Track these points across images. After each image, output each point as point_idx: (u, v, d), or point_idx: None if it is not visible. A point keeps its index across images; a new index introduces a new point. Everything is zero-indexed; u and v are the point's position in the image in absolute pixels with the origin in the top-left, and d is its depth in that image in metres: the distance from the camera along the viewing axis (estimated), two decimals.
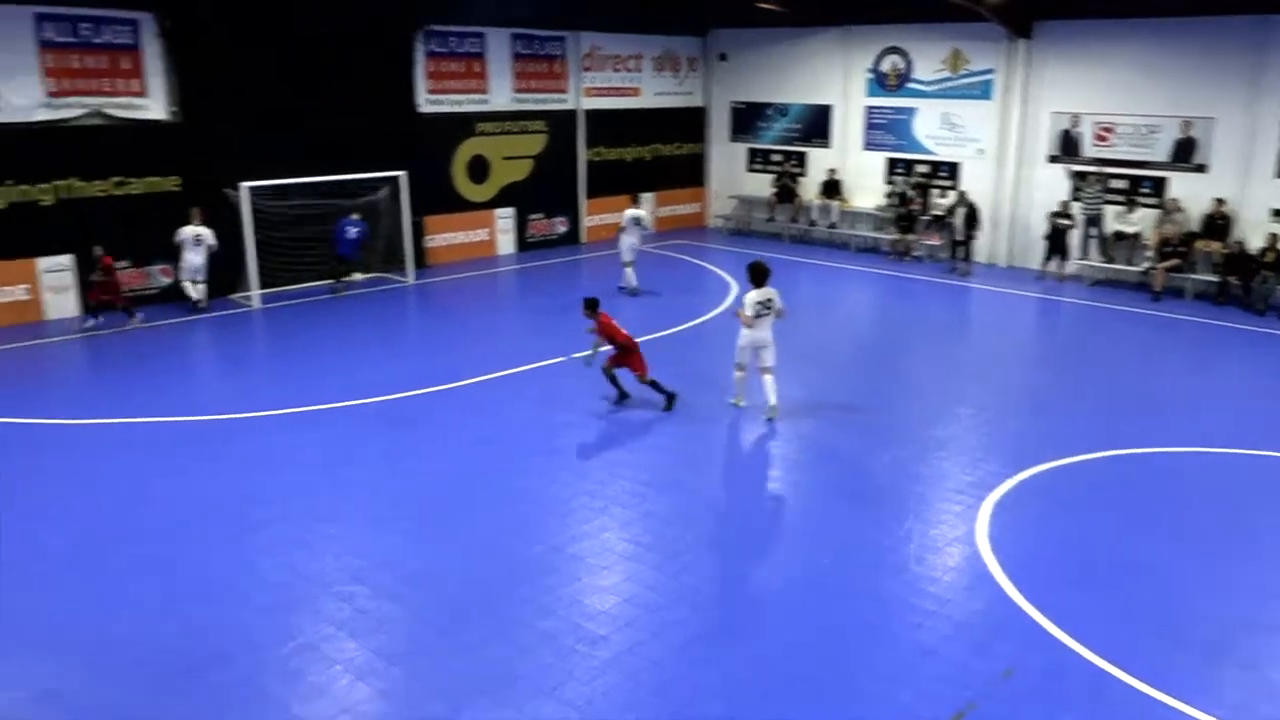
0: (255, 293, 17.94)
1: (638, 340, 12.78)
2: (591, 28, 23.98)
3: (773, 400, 12.27)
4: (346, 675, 7.14)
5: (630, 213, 19.38)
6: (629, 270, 19.25)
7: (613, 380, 12.75)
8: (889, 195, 23.97)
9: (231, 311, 17.67)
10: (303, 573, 8.53)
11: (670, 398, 12.65)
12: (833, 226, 24.83)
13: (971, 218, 21.42)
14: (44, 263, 16.59)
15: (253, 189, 17.60)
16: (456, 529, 9.45)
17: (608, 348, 12.63)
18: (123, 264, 17.36)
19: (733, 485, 10.90)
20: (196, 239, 17.23)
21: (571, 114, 24.17)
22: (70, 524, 9.45)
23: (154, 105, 17.42)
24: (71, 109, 16.53)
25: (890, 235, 23.47)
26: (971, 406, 12.99)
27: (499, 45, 22.35)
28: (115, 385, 13.75)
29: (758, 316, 12.09)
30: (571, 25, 23.58)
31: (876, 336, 17.35)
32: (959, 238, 21.54)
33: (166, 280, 17.72)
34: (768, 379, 12.26)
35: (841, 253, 23.97)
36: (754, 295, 12.20)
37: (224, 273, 18.09)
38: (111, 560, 8.75)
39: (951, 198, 22.37)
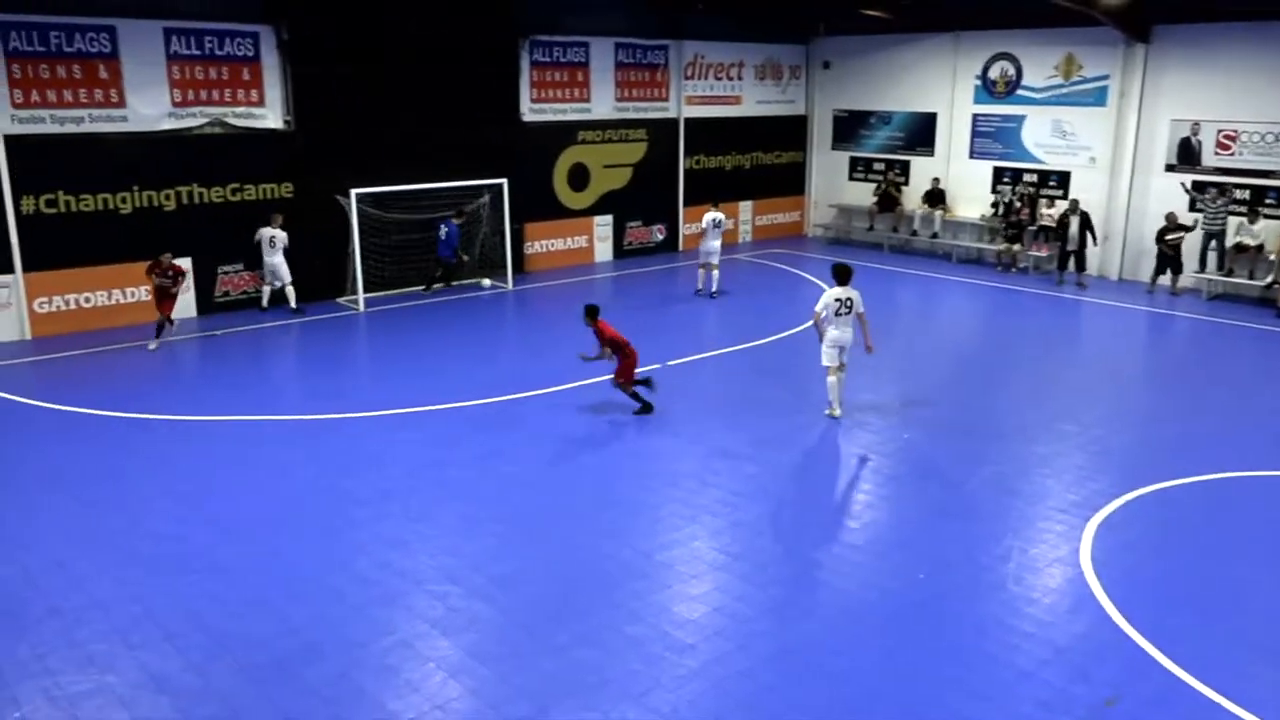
0: (360, 296, 18.47)
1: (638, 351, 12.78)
2: (694, 36, 24.03)
3: (839, 394, 12.70)
4: (439, 673, 7.27)
5: (710, 216, 19.48)
6: (715, 273, 19.51)
7: (634, 395, 12.74)
8: (994, 205, 23.39)
9: (337, 314, 18.21)
10: (397, 571, 8.73)
11: (647, 406, 12.73)
12: (935, 236, 24.34)
13: (1085, 227, 20.74)
14: None
15: (360, 195, 18.13)
16: (548, 532, 9.55)
17: (608, 356, 12.62)
18: (237, 267, 18.12)
19: (825, 497, 10.75)
20: (272, 240, 17.73)
21: (672, 122, 24.25)
22: (174, 516, 9.85)
23: (270, 115, 18.10)
24: (194, 118, 17.29)
25: (995, 246, 22.91)
26: (1078, 424, 12.56)
27: (602, 54, 22.56)
28: (225, 383, 14.29)
29: (837, 314, 12.28)
30: (674, 34, 23.68)
31: (980, 349, 16.93)
32: (1072, 247, 20.84)
33: (279, 284, 18.33)
34: (841, 374, 12.59)
35: (943, 263, 23.48)
36: (833, 292, 12.37)
37: (330, 276, 18.76)
38: (214, 553, 9.09)
39: (1061, 206, 21.72)
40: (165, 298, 15.76)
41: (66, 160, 16.13)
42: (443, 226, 19.62)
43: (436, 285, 20.04)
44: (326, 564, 8.87)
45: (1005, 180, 23.38)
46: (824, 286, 20.19)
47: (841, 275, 12.45)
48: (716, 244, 19.48)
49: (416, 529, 9.54)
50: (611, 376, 12.77)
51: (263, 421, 12.55)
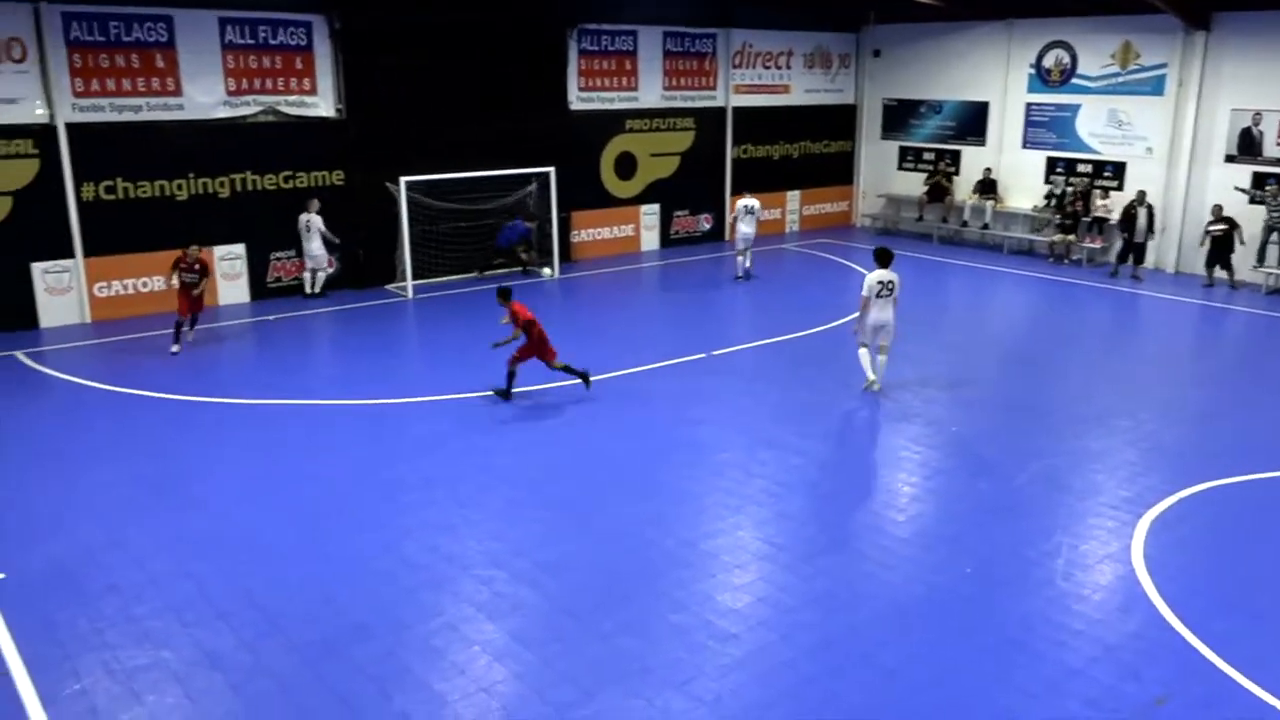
0: (409, 283, 18.65)
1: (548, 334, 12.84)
2: (743, 24, 23.89)
3: (878, 375, 13.03)
4: (484, 656, 7.35)
5: (743, 202, 19.93)
6: (745, 258, 20.10)
7: (511, 376, 12.79)
8: (1047, 196, 23.04)
9: (386, 301, 18.41)
10: (444, 555, 8.84)
11: (585, 377, 13.00)
12: (985, 227, 24.03)
13: (1151, 219, 20.39)
14: (219, 251, 17.67)
15: (409, 183, 18.29)
16: (593, 519, 9.60)
17: (517, 336, 12.62)
18: (289, 253, 18.39)
19: (871, 489, 10.68)
20: (308, 224, 17.95)
21: (720, 111, 24.15)
22: (227, 497, 10.05)
23: (323, 103, 18.32)
24: (248, 107, 17.56)
25: (1047, 237, 22.57)
26: (1131, 419, 12.36)
27: (650, 43, 22.52)
28: (276, 368, 14.55)
29: (878, 296, 12.67)
30: (723, 22, 23.57)
31: (1031, 342, 16.68)
32: (1140, 239, 20.45)
33: (330, 270, 18.59)
34: (881, 358, 13.01)
35: (994, 254, 23.19)
36: (875, 275, 12.77)
37: (379, 263, 19.01)
38: (265, 533, 9.27)
39: (1116, 197, 21.33)
40: (188, 297, 15.00)
41: (125, 148, 16.46)
42: (519, 222, 20.10)
43: (490, 272, 20.26)
44: (375, 546, 9.00)
45: (1059, 171, 23.02)
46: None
47: (882, 258, 12.87)
48: (751, 230, 19.90)
49: (463, 514, 9.65)
50: (514, 355, 12.79)
51: (312, 406, 12.74)
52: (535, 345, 12.72)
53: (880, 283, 12.67)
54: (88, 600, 8.03)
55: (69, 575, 8.44)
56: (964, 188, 24.65)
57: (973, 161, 24.54)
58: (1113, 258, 21.08)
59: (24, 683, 6.97)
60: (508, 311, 12.69)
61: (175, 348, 14.82)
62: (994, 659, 7.37)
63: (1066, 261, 22.00)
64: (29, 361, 14.53)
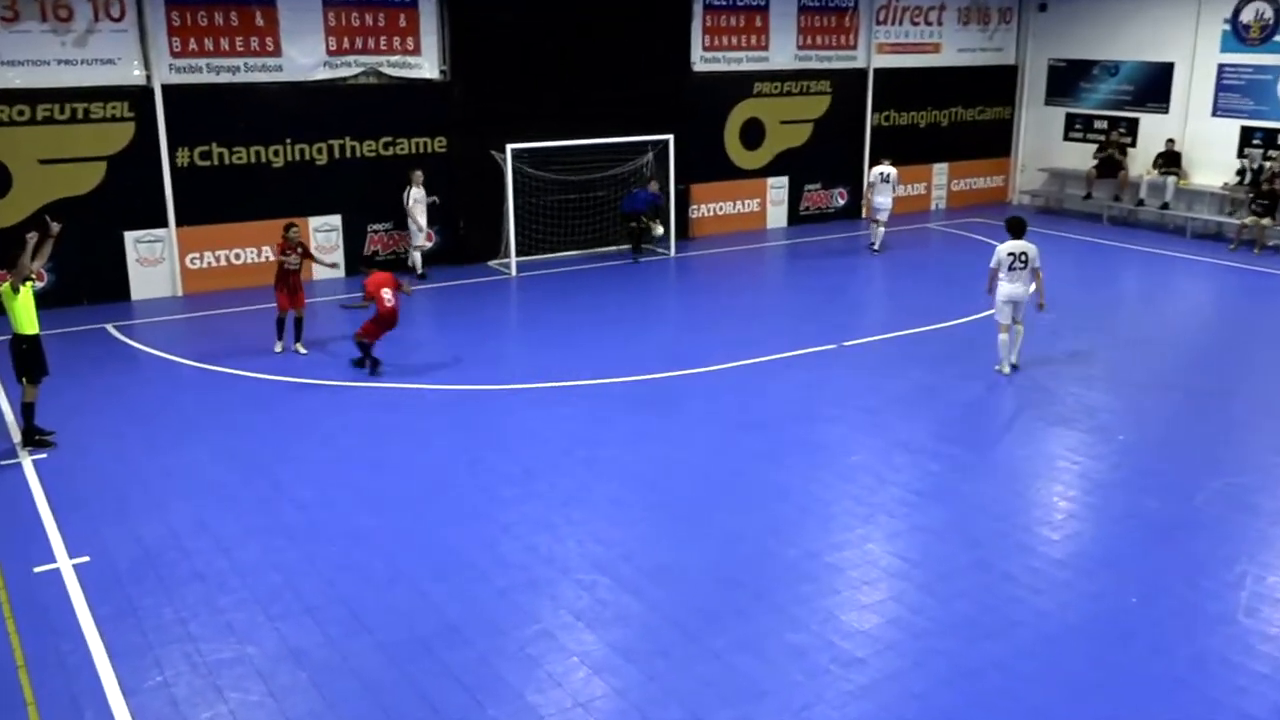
0: (513, 260, 18.91)
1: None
2: None
3: (1016, 347, 13.37)
4: (583, 668, 7.42)
5: (879, 169, 20.40)
6: (881, 230, 20.51)
7: (362, 348, 13.46)
8: (1240, 172, 21.95)
9: (488, 279, 18.73)
10: (543, 556, 8.95)
11: (373, 364, 13.47)
12: (1165, 207, 23.06)
13: None
14: (314, 222, 18.25)
15: (516, 151, 18.51)
16: (706, 523, 9.59)
17: (365, 306, 13.45)
18: (387, 225, 18.85)
19: (1020, 502, 10.36)
20: (408, 197, 18.33)
21: (860, 73, 23.77)
22: (317, 483, 10.39)
23: (426, 64, 18.72)
24: (349, 68, 18.06)
25: (1239, 220, 21.48)
26: None
27: None
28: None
29: (1010, 269, 12.94)
30: None
31: (1216, 341, 15.95)
32: None
33: (428, 245, 19.01)
34: (1018, 327, 13.29)
35: (1174, 238, 22.25)
36: (1005, 246, 13.08)
37: (482, 238, 19.36)
38: (355, 522, 9.54)
39: None
40: (287, 286, 14.22)
41: (221, 111, 17.14)
42: (646, 190, 20.15)
43: (645, 246, 20.32)
44: (470, 543, 9.17)
45: (1255, 142, 21.91)
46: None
47: (1015, 229, 13.21)
48: (886, 200, 20.30)
49: (565, 512, 9.75)
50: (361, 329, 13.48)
51: (406, 389, 13.07)
52: (383, 322, 13.34)
53: (1011, 254, 12.93)
54: (172, 588, 8.42)
55: (154, 560, 8.86)
56: (1141, 161, 23.71)
57: (1152, 131, 23.57)
58: None
59: (106, 672, 7.34)
60: (368, 276, 13.53)
61: (278, 346, 14.40)
62: (1161, 703, 7.07)
63: (1258, 250, 20.83)
64: (118, 335, 15.32)
